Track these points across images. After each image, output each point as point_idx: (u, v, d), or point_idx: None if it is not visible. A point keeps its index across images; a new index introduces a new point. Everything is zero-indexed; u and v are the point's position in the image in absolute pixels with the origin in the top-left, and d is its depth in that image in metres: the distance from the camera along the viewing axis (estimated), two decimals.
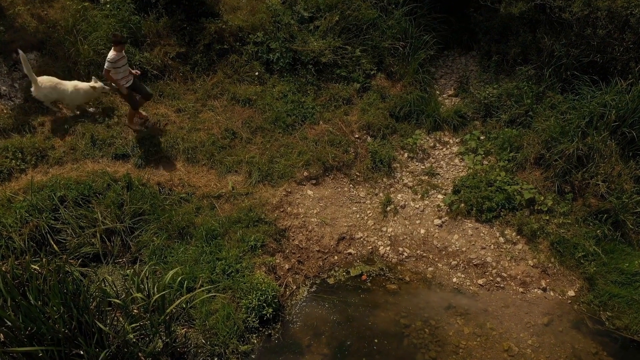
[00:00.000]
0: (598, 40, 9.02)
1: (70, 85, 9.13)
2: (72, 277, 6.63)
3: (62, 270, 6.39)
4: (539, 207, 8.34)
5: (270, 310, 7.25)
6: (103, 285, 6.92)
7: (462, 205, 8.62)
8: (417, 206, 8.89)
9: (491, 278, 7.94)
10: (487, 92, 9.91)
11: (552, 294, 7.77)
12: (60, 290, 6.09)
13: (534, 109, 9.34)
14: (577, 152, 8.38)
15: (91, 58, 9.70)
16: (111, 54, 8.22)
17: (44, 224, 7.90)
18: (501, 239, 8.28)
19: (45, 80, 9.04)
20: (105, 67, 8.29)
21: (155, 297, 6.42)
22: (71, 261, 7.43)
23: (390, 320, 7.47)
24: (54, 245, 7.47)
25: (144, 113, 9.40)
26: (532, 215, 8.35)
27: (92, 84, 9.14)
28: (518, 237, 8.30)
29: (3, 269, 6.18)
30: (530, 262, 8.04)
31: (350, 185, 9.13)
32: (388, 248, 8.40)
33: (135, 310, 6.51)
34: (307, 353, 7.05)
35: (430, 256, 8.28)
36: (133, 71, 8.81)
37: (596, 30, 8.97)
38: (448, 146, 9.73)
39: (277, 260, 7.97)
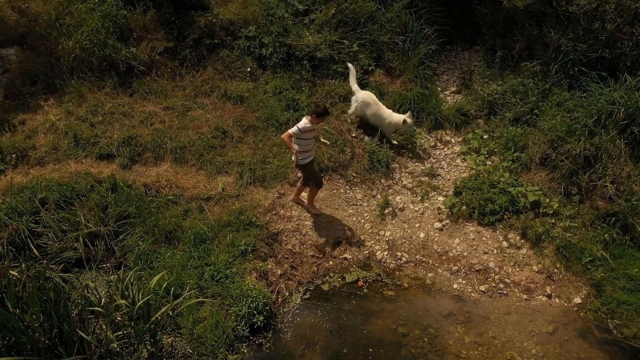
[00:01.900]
0: (607, 35, 9.09)
1: (387, 113, 9.43)
2: (53, 283, 6.67)
3: (43, 276, 6.43)
4: (544, 210, 8.39)
5: (262, 318, 7.27)
6: (85, 291, 6.95)
7: (464, 207, 8.67)
8: (417, 209, 8.93)
9: (494, 284, 7.98)
10: (491, 88, 9.97)
11: (557, 301, 7.80)
12: (40, 298, 6.13)
13: (539, 106, 9.39)
14: (584, 152, 8.43)
15: (76, 54, 9.75)
16: (304, 122, 7.69)
17: (24, 228, 7.93)
18: (504, 244, 8.33)
19: (365, 96, 9.47)
20: (291, 130, 7.71)
21: (139, 304, 6.45)
22: (52, 266, 7.41)
23: (387, 328, 7.50)
24: (34, 250, 7.48)
25: (304, 201, 8.84)
26: (537, 219, 8.39)
27: (405, 117, 9.31)
28: (522, 241, 8.34)
29: None
30: (534, 267, 8.08)
31: (347, 186, 9.17)
32: (386, 253, 8.44)
33: (119, 318, 6.55)
34: None
35: (430, 261, 8.32)
36: (325, 141, 8.51)
37: (605, 24, 9.04)
38: (449, 146, 9.78)
39: (269, 266, 8.00)
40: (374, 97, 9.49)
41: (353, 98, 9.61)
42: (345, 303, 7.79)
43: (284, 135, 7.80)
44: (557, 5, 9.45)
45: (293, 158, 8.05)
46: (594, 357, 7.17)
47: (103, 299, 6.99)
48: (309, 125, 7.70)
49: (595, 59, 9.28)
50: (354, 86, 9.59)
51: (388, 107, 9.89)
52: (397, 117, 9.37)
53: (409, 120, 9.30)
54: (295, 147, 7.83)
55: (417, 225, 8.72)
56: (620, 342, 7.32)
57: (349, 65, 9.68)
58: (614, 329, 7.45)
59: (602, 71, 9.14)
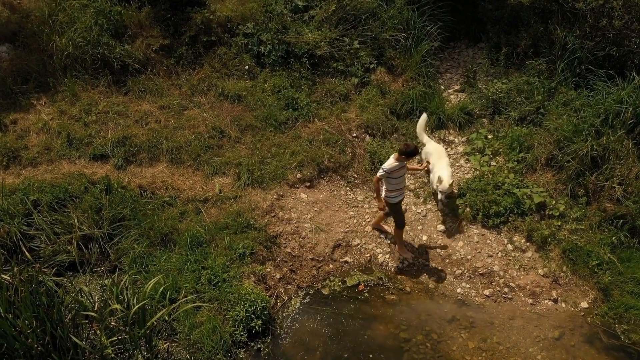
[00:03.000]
0: (614, 32, 9.09)
1: (438, 166, 8.57)
2: (46, 287, 6.72)
3: (35, 280, 6.47)
4: (550, 212, 8.41)
5: (260, 322, 7.30)
6: (79, 296, 6.99)
7: (468, 209, 8.69)
8: (419, 210, 8.95)
9: (498, 288, 8.00)
10: (495, 87, 9.97)
11: (563, 305, 7.83)
12: (33, 302, 6.17)
13: (545, 105, 9.40)
14: (591, 152, 8.44)
15: (69, 51, 9.77)
16: (391, 162, 7.49)
17: (16, 230, 7.97)
18: (509, 246, 8.35)
19: (436, 149, 8.84)
20: (378, 174, 7.59)
21: (135, 309, 6.49)
22: (45, 270, 7.49)
23: (389, 333, 7.53)
24: (27, 253, 7.53)
25: (386, 227, 8.73)
26: (543, 221, 8.41)
27: (445, 177, 8.37)
28: (527, 244, 8.36)
29: None
30: (540, 271, 8.10)
31: (347, 188, 9.19)
32: (387, 256, 8.46)
33: (113, 323, 6.58)
34: None
35: (433, 265, 8.34)
36: (417, 167, 8.60)
37: (612, 21, 9.05)
38: (453, 146, 9.80)
39: (268, 269, 8.03)
40: (444, 152, 8.89)
41: (423, 150, 8.96)
42: (346, 307, 7.83)
43: (374, 179, 7.77)
44: (563, 2, 9.45)
45: (377, 203, 8.08)
46: None
47: (97, 304, 7.03)
48: (395, 164, 7.46)
49: (602, 57, 9.29)
50: (424, 137, 9.10)
51: (389, 106, 9.92)
52: (439, 173, 8.42)
53: (444, 184, 8.31)
54: (384, 187, 7.72)
55: (419, 227, 8.74)
56: (628, 348, 7.34)
57: (424, 114, 9.18)
58: (621, 335, 7.47)
59: (610, 69, 9.14)
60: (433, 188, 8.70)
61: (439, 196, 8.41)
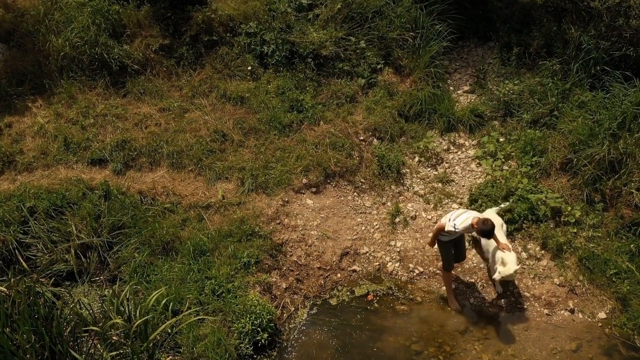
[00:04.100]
0: (631, 32, 9.03)
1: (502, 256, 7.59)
2: (44, 298, 6.66)
3: (33, 291, 6.40)
4: (566, 219, 8.34)
5: (266, 335, 7.24)
6: (78, 307, 6.92)
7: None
8: (430, 217, 8.89)
9: (513, 298, 7.94)
10: (507, 88, 9.92)
11: (580, 316, 7.77)
12: (31, 315, 6.10)
13: (559, 108, 9.35)
14: (608, 156, 8.37)
15: (65, 52, 9.71)
16: (466, 224, 7.08)
17: (12, 239, 7.94)
18: (523, 255, 8.29)
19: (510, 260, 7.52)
20: (447, 227, 7.18)
21: (137, 323, 6.41)
22: (42, 280, 7.42)
23: (399, 345, 7.47)
24: (23, 263, 7.47)
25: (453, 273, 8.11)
26: (558, 228, 8.35)
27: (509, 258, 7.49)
28: (542, 252, 8.30)
29: None
30: (556, 280, 8.04)
31: (355, 193, 9.13)
32: (397, 264, 8.40)
33: (114, 337, 6.50)
34: None
35: None
36: (505, 248, 7.57)
37: (629, 20, 8.99)
38: (463, 149, 9.74)
39: (273, 279, 7.97)
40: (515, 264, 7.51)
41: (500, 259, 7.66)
42: (355, 318, 7.78)
43: (439, 225, 7.39)
44: (577, 0, 9.39)
45: (428, 242, 7.93)
46: None
47: (97, 316, 6.95)
48: (469, 229, 7.14)
49: (618, 57, 9.23)
50: (504, 239, 7.88)
51: (397, 108, 9.86)
52: (505, 255, 7.55)
53: (508, 268, 7.44)
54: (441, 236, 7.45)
55: (430, 235, 8.67)
56: None
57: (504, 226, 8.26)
58: None
59: (626, 70, 9.08)
60: (494, 268, 7.68)
61: (496, 277, 7.52)
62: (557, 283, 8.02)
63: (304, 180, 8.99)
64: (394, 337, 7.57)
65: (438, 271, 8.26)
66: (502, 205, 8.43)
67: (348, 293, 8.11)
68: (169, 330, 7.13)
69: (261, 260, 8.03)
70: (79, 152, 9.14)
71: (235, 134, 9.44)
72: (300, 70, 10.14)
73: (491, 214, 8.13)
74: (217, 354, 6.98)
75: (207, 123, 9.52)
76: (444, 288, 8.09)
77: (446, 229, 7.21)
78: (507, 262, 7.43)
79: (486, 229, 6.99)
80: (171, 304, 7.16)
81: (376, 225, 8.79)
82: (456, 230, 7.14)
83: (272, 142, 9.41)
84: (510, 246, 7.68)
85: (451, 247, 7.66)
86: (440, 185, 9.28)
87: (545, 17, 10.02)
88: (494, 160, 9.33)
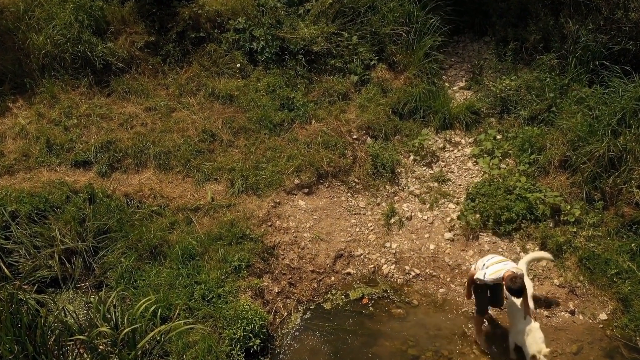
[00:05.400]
0: (630, 25, 9.08)
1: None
2: (27, 306, 6.62)
3: (15, 298, 6.36)
4: (565, 218, 8.37)
5: (258, 341, 7.22)
6: (63, 315, 6.88)
7: (477, 216, 8.65)
8: (426, 217, 8.90)
9: None
10: (503, 84, 9.94)
11: (581, 317, 7.79)
12: (14, 324, 6.07)
13: (557, 104, 9.38)
14: (607, 153, 8.41)
15: (47, 50, 9.66)
16: (496, 276, 6.78)
17: None
18: (522, 255, 8.30)
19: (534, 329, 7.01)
20: (478, 277, 6.95)
21: (125, 331, 6.38)
22: (25, 287, 7.40)
23: (395, 350, 7.47)
24: (5, 269, 7.43)
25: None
26: (558, 227, 8.38)
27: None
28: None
29: None
30: (555, 281, 8.07)
31: (348, 194, 9.13)
32: (393, 266, 8.41)
33: (101, 346, 6.47)
34: None
35: (442, 275, 8.30)
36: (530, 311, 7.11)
37: (628, 13, 9.04)
38: (460, 147, 9.76)
39: (265, 283, 7.96)
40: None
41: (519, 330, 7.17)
42: (349, 323, 7.78)
43: (471, 274, 7.17)
44: None
45: (464, 290, 7.77)
46: None
47: (83, 323, 6.92)
48: (498, 281, 6.84)
49: (617, 51, 9.27)
50: (532, 304, 7.30)
51: (391, 105, 9.86)
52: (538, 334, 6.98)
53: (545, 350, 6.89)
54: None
55: (426, 235, 8.69)
56: None
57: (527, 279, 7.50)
58: None
59: (626, 65, 9.12)
60: (519, 339, 7.14)
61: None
62: (557, 284, 8.05)
63: (296, 181, 8.98)
64: (390, 341, 7.57)
65: (434, 273, 8.28)
66: (536, 256, 8.06)
67: (342, 297, 8.10)
68: (158, 338, 7.09)
69: (252, 263, 8.01)
70: (62, 153, 9.10)
71: (224, 133, 9.43)
72: (291, 67, 10.14)
73: (524, 266, 7.68)
74: None
75: (195, 122, 9.50)
76: (441, 290, 8.11)
77: (477, 279, 7.00)
78: (537, 340, 6.90)
79: (514, 288, 6.68)
80: (160, 310, 7.13)
81: (371, 226, 8.79)
82: (485, 280, 6.87)
83: (262, 141, 9.39)
84: (535, 313, 7.29)
85: (486, 290, 7.30)
86: (436, 184, 9.29)
87: (542, 11, 10.07)
88: (491, 159, 9.35)
